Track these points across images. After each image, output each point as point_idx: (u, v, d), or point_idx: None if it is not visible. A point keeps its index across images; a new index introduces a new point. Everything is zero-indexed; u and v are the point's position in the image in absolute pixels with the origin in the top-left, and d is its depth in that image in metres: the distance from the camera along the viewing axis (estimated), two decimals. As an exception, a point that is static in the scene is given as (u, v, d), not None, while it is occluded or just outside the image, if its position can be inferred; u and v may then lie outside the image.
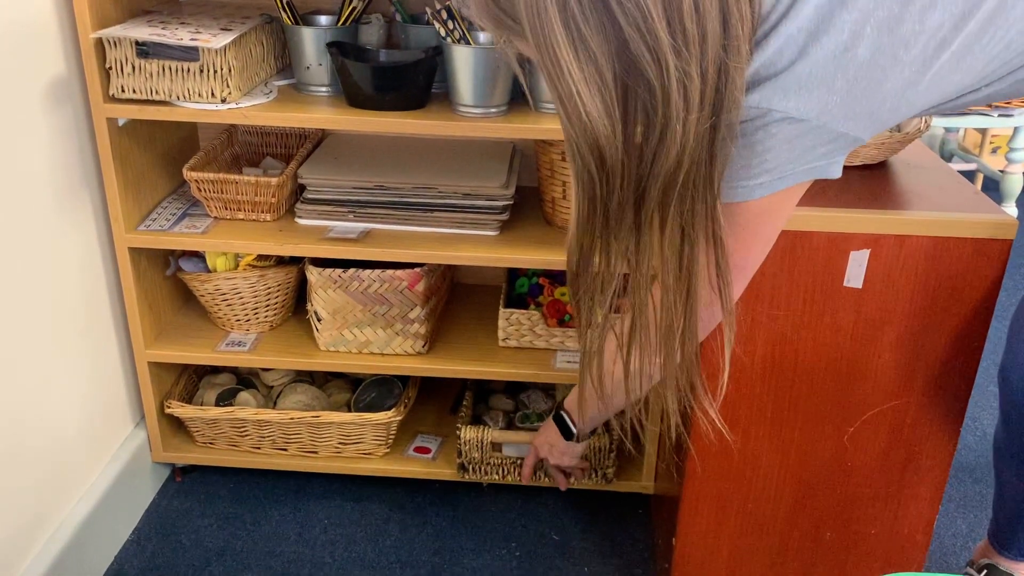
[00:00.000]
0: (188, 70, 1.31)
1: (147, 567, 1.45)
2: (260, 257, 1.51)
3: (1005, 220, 1.08)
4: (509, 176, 1.51)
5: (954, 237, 1.09)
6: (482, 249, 1.42)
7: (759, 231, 0.89)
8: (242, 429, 1.55)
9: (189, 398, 1.61)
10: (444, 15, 1.30)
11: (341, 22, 1.40)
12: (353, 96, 1.36)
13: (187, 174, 1.44)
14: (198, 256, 1.52)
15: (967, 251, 1.10)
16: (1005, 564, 1.36)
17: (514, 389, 1.69)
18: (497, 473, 1.54)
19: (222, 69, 1.31)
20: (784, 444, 1.23)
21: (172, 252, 1.54)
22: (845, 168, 1.24)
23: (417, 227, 1.47)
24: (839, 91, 0.76)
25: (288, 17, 1.39)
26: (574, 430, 1.27)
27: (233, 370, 1.66)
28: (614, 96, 0.71)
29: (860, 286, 1.12)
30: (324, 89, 1.42)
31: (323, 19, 1.46)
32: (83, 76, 1.33)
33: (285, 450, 1.58)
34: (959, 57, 0.79)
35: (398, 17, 1.47)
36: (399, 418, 1.53)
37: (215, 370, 1.66)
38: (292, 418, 1.51)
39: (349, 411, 1.58)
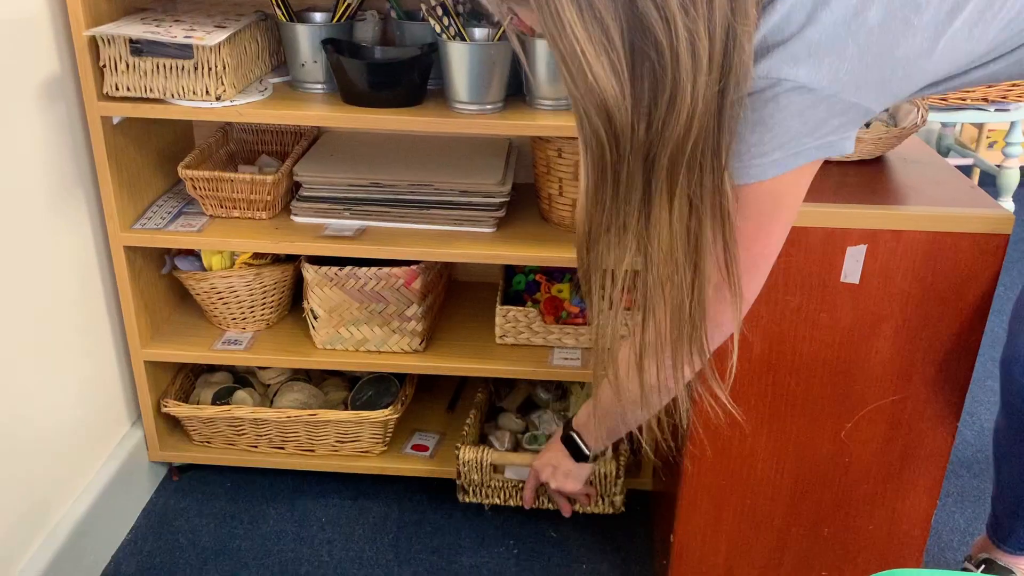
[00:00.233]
0: (182, 68, 1.30)
1: (144, 566, 1.45)
2: (256, 255, 1.50)
3: (1002, 215, 1.08)
4: (505, 173, 1.51)
5: (951, 232, 1.09)
6: (479, 246, 1.42)
7: (776, 215, 0.87)
8: (239, 428, 1.55)
9: (186, 397, 1.60)
10: (439, 11, 1.30)
11: (336, 19, 1.40)
12: (348, 93, 1.35)
13: (182, 172, 1.44)
14: (194, 254, 1.51)
15: (964, 246, 1.09)
16: (1004, 558, 1.36)
17: (526, 409, 1.64)
18: (499, 496, 1.48)
19: (216, 67, 1.30)
20: (782, 440, 1.23)
21: (168, 251, 1.54)
22: (841, 163, 1.24)
23: (413, 224, 1.46)
24: (850, 58, 0.75)
25: (283, 14, 1.38)
26: (586, 450, 1.21)
27: (230, 369, 1.66)
28: (621, 57, 0.70)
29: (857, 281, 1.12)
30: (319, 86, 1.41)
31: (318, 16, 1.45)
32: (77, 74, 1.32)
33: (282, 448, 1.58)
34: (971, 24, 0.78)
35: (393, 14, 1.46)
36: (396, 416, 1.52)
37: (211, 369, 1.66)
38: (289, 416, 1.51)
39: (346, 409, 1.57)
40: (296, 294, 1.60)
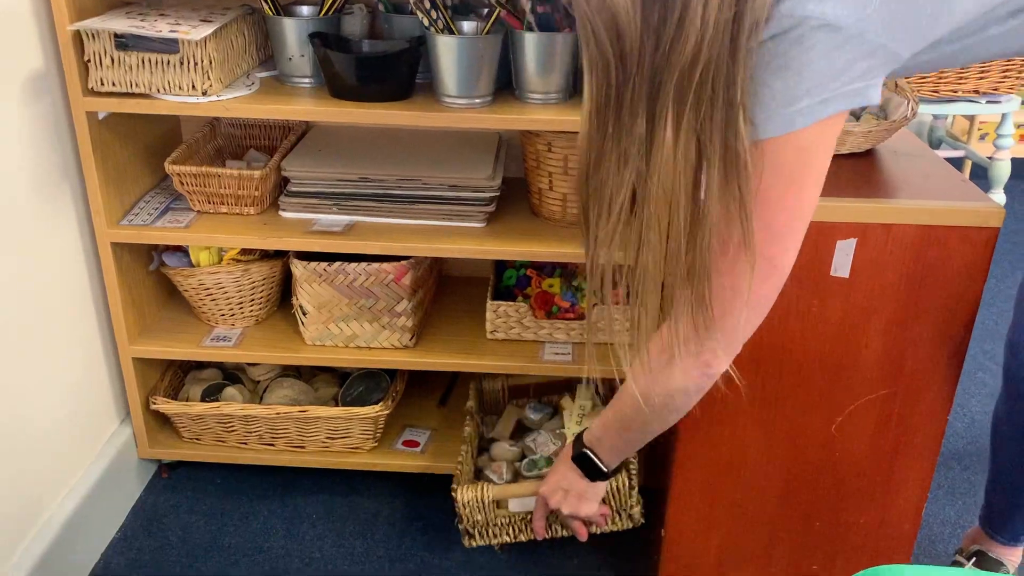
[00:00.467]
0: (168, 62, 1.29)
1: (134, 564, 1.44)
2: (244, 251, 1.49)
3: (991, 208, 1.08)
4: (495, 167, 1.50)
5: (941, 225, 1.08)
6: (469, 241, 1.41)
7: (806, 174, 0.83)
8: (228, 424, 1.54)
9: (175, 394, 1.59)
10: (427, 4, 1.29)
11: (323, 12, 1.39)
12: (336, 87, 1.34)
13: (169, 168, 1.43)
14: (182, 251, 1.50)
15: (954, 239, 1.09)
16: (996, 550, 1.36)
17: (517, 434, 1.54)
18: (507, 533, 1.35)
19: (203, 61, 1.29)
20: (772, 435, 1.23)
21: (155, 247, 1.53)
22: (832, 157, 1.23)
23: (402, 219, 1.45)
24: None
25: (269, 8, 1.37)
26: (604, 467, 1.12)
27: (219, 365, 1.65)
28: None
29: (847, 275, 1.12)
30: (307, 80, 1.40)
31: (305, 9, 1.44)
32: (61, 69, 1.31)
33: (272, 445, 1.57)
34: None
35: (381, 7, 1.45)
36: (387, 412, 1.52)
37: (201, 365, 1.65)
38: (278, 413, 1.50)
39: (336, 405, 1.57)
40: (285, 290, 1.59)
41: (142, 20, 1.30)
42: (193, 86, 1.30)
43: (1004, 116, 2.49)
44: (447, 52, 1.29)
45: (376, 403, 1.52)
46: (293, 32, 1.36)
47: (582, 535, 1.25)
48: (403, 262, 1.45)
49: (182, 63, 1.29)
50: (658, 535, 1.35)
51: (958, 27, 0.81)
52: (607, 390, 1.47)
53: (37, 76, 1.28)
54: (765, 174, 0.79)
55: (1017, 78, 2.32)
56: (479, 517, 1.32)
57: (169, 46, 1.27)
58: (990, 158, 2.58)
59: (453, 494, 1.32)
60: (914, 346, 1.16)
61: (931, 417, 1.20)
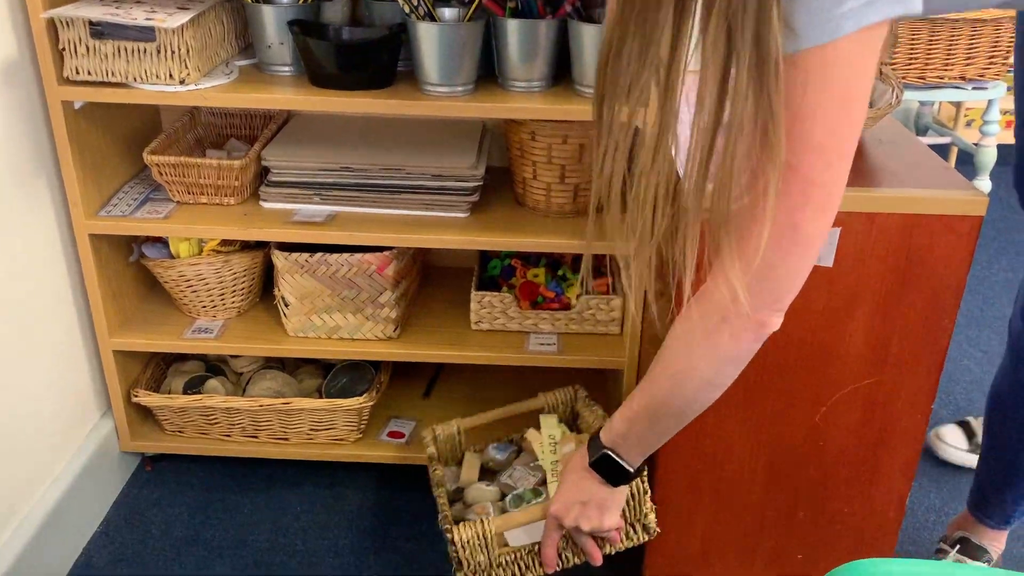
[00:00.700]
0: (144, 51, 1.27)
1: (116, 558, 1.43)
2: (224, 242, 1.48)
3: (976, 197, 1.07)
4: (479, 156, 1.48)
5: (925, 214, 1.08)
6: (452, 232, 1.40)
7: (853, 91, 0.76)
8: (211, 417, 1.53)
9: (157, 386, 1.58)
10: (408, -9, 1.27)
11: (303, -1, 1.37)
12: (316, 75, 1.32)
13: (148, 158, 1.41)
14: (161, 242, 1.49)
15: (938, 228, 1.09)
16: (982, 535, 1.36)
17: (485, 476, 1.39)
18: (516, 571, 1.17)
19: (180, 49, 1.27)
20: (756, 425, 1.23)
21: (135, 238, 1.51)
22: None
23: (385, 209, 1.44)
24: None
25: (248, -5, 1.35)
26: (629, 467, 1.01)
27: (202, 357, 1.63)
28: None
29: (831, 265, 1.11)
30: (287, 68, 1.38)
31: (284, -4, 1.42)
32: (35, 58, 1.28)
33: (256, 437, 1.56)
34: None
35: (362, -6, 1.43)
36: (371, 403, 1.51)
37: (183, 357, 1.63)
38: (261, 405, 1.49)
39: (320, 397, 1.56)
40: (267, 281, 1.57)
41: (117, 8, 1.27)
42: (171, 75, 1.28)
43: (990, 102, 2.49)
44: (428, 39, 1.27)
45: (360, 395, 1.51)
46: (272, 19, 1.34)
47: (597, 559, 1.11)
48: (386, 252, 1.43)
49: (159, 51, 1.27)
50: (643, 525, 1.35)
51: None
52: (570, 416, 1.44)
53: (10, 65, 1.26)
54: (808, 90, 0.74)
55: (1003, 64, 2.32)
56: (481, 558, 1.14)
57: (145, 34, 1.25)
58: (976, 144, 2.58)
59: (447, 535, 1.13)
60: (898, 335, 1.15)
61: (915, 405, 1.20)
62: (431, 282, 1.69)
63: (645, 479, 1.16)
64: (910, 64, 2.29)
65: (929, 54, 2.28)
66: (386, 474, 1.61)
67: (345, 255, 1.43)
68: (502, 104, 1.31)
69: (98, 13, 1.24)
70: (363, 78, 1.31)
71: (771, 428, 1.23)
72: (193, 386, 1.55)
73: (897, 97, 1.22)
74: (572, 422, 1.44)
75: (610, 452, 1.01)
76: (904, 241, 1.09)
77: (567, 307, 1.51)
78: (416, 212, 1.44)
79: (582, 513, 1.05)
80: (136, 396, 1.51)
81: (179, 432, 1.57)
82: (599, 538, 1.10)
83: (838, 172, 0.78)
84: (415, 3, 1.28)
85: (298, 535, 1.48)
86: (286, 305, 1.47)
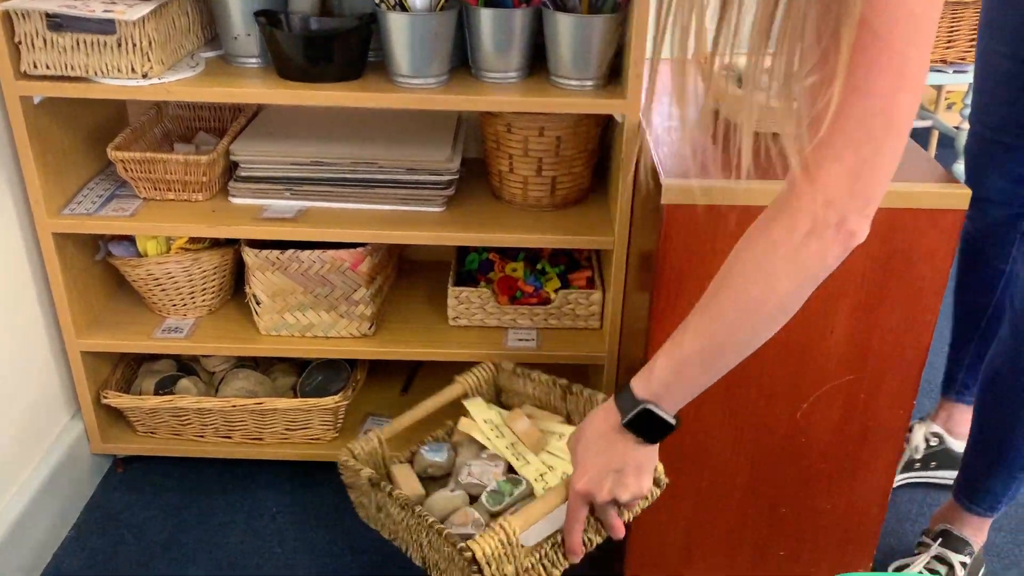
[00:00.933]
0: (104, 44, 1.22)
1: (88, 563, 1.40)
2: (193, 239, 1.44)
3: (958, 190, 1.05)
4: (454, 148, 1.45)
5: (907, 208, 1.06)
6: (427, 227, 1.37)
7: (918, 30, 0.71)
8: (183, 418, 1.49)
9: (127, 386, 1.54)
10: (377, -20, 1.23)
11: (269, -11, 1.32)
12: (284, 67, 1.29)
13: (112, 153, 1.37)
14: (128, 240, 1.44)
15: (920, 222, 1.07)
16: (966, 525, 1.34)
17: (426, 483, 1.19)
18: (541, 571, 1.00)
19: (141, 42, 1.22)
20: (737, 422, 1.21)
21: (101, 236, 1.47)
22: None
23: (358, 204, 1.41)
24: None
25: (212, -16, 1.30)
26: (672, 419, 0.89)
27: (174, 357, 1.59)
28: None
29: (812, 260, 1.09)
30: (254, 60, 1.34)
31: (251, -14, 1.37)
32: (-9, 52, 1.24)
33: (230, 438, 1.53)
34: None
35: (331, -18, 1.39)
36: (346, 403, 1.48)
37: (154, 357, 1.60)
38: (234, 406, 1.46)
39: (295, 396, 1.52)
40: (239, 278, 1.53)
41: (75, -1, 1.23)
42: (133, 68, 1.24)
43: (971, 86, 2.47)
44: (399, 30, 1.23)
45: (335, 393, 1.48)
46: (238, 9, 1.30)
47: (620, 531, 0.98)
48: (359, 248, 1.40)
49: (120, 44, 1.22)
50: (624, 523, 1.33)
51: None
52: (494, 394, 1.30)
53: (-36, 59, 1.21)
54: (877, 27, 0.70)
55: (984, 48, 2.29)
56: (509, 569, 0.96)
57: (105, 27, 1.21)
58: (957, 128, 2.57)
59: (464, 555, 0.94)
60: (880, 330, 1.14)
61: (898, 401, 1.19)
62: (407, 277, 1.65)
63: None
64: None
65: (910, 38, 2.25)
66: (364, 473, 1.58)
67: (317, 252, 1.39)
68: (476, 96, 1.27)
69: (54, 5, 1.20)
70: (332, 70, 1.28)
71: (752, 424, 1.21)
72: (164, 386, 1.51)
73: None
74: (496, 400, 1.31)
75: (652, 406, 0.88)
76: (887, 236, 1.07)
77: (546, 302, 1.48)
78: (390, 207, 1.41)
79: (618, 482, 0.92)
80: (106, 397, 1.47)
81: (151, 433, 1.54)
82: (621, 507, 0.97)
83: (927, 47, 0.72)
84: (385, -8, 1.24)
85: (274, 536, 1.46)
86: (258, 303, 1.44)
